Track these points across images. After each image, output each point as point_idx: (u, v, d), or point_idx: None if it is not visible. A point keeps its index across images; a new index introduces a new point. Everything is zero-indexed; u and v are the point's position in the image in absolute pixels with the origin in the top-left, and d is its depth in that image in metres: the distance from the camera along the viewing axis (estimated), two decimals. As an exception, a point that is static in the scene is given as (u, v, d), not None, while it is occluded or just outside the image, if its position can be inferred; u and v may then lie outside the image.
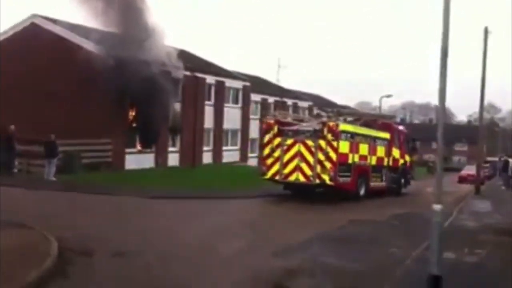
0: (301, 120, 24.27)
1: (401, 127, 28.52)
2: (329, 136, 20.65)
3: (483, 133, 38.58)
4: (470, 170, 42.54)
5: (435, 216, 8.20)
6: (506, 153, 46.67)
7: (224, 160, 37.70)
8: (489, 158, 67.59)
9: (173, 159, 32.59)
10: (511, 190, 29.59)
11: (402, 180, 27.30)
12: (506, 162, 34.22)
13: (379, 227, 15.58)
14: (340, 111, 26.17)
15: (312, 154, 20.74)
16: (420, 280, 8.22)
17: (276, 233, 13.63)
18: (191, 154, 34.08)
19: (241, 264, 9.98)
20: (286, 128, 21.96)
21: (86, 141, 26.06)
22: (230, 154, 38.80)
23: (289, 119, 23.58)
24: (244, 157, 40.88)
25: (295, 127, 22.21)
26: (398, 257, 11.06)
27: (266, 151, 21.79)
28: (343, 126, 21.57)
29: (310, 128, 21.85)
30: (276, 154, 21.36)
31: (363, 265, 10.35)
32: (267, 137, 21.89)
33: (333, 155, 20.59)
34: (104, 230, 12.17)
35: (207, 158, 35.95)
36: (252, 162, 42.05)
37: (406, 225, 16.07)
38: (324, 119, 22.37)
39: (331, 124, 21.01)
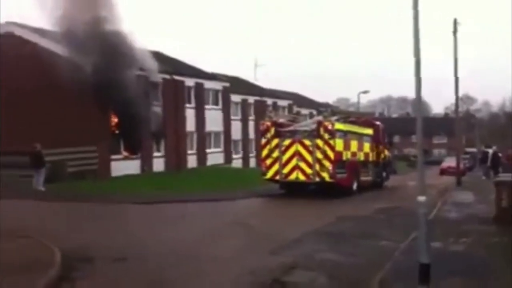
0: (296, 121, 24.84)
1: (379, 123, 29.28)
2: (326, 135, 21.33)
3: (460, 125, 39.33)
4: (450, 162, 43.12)
5: (421, 207, 8.67)
6: (486, 144, 47.53)
7: (209, 162, 37.87)
8: (469, 149, 68.88)
9: (158, 164, 32.73)
10: (491, 180, 30.25)
11: (384, 174, 28.14)
12: (485, 153, 34.92)
13: (368, 221, 16.07)
14: (334, 111, 26.98)
15: (310, 153, 21.38)
16: (409, 269, 8.66)
17: (271, 231, 14.05)
18: (175, 159, 34.25)
19: (240, 262, 10.34)
20: (283, 129, 22.52)
21: (71, 150, 26.10)
22: (214, 157, 38.97)
23: (285, 120, 24.16)
24: (228, 158, 41.13)
25: (291, 128, 22.80)
26: (388, 249, 11.52)
27: (265, 152, 22.33)
28: (337, 125, 22.25)
29: (307, 128, 22.54)
30: (275, 154, 21.94)
31: (355, 258, 10.79)
32: (265, 139, 22.38)
33: (330, 153, 21.28)
34: (104, 238, 12.42)
35: (191, 161, 36.13)
36: (236, 163, 42.44)
37: (393, 219, 16.54)
38: (320, 119, 22.99)
39: (326, 123, 21.73)
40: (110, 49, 26.66)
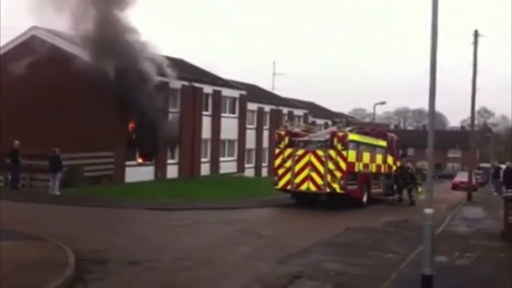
0: (310, 131, 24.99)
1: (393, 134, 29.32)
2: (339, 146, 21.48)
3: (475, 139, 39.30)
4: (463, 177, 43.08)
5: (427, 219, 8.91)
6: (499, 160, 47.46)
7: (221, 171, 38.06)
8: (482, 165, 68.53)
9: (172, 171, 33.03)
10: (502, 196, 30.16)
11: (395, 187, 28.06)
12: (498, 169, 34.91)
13: (376, 233, 16.28)
14: (348, 121, 26.97)
15: (322, 163, 21.53)
16: (413, 282, 8.91)
17: (280, 240, 14.39)
18: (189, 166, 34.56)
19: (249, 269, 10.65)
20: (297, 138, 22.72)
21: (89, 155, 26.51)
22: (227, 165, 39.21)
23: (299, 130, 24.36)
24: (241, 167, 41.35)
25: (305, 138, 23.00)
26: (394, 261, 11.76)
27: (278, 161, 22.51)
28: (351, 136, 22.38)
29: (321, 138, 22.73)
30: (288, 164, 22.10)
31: (361, 269, 11.05)
32: (278, 148, 22.62)
33: (343, 165, 21.40)
34: (118, 242, 12.79)
35: (205, 169, 36.39)
36: (249, 172, 42.64)
37: (401, 232, 16.73)
38: (334, 129, 23.15)
39: (340, 134, 21.82)
40: (132, 56, 27.20)
